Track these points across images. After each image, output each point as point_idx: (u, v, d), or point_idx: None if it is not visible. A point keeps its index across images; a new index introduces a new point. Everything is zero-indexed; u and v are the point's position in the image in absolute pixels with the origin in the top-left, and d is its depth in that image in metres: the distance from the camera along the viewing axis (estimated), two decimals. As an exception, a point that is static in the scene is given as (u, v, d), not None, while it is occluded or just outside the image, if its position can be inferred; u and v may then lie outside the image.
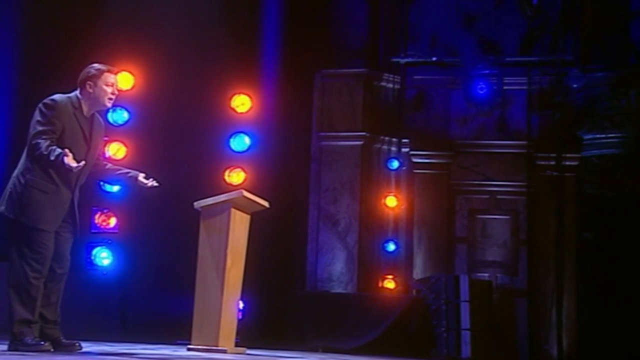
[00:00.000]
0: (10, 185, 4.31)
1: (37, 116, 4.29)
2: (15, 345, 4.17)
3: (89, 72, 4.45)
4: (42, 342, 4.21)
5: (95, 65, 4.49)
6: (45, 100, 4.33)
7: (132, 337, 6.60)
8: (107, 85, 4.44)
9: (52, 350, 4.24)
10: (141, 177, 4.64)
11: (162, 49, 7.75)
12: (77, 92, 4.44)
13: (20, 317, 4.19)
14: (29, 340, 4.16)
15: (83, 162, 4.23)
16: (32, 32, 6.89)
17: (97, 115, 4.54)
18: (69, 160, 4.13)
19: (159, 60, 7.77)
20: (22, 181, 4.26)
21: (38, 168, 4.26)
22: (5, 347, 4.26)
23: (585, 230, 9.10)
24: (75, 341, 4.42)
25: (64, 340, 4.37)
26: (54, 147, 4.18)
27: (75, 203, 4.43)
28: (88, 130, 4.43)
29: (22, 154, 4.36)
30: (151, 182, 4.66)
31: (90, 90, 4.41)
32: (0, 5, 6.93)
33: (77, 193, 4.45)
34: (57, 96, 4.37)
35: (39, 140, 4.21)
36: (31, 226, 4.23)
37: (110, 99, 4.47)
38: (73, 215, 4.42)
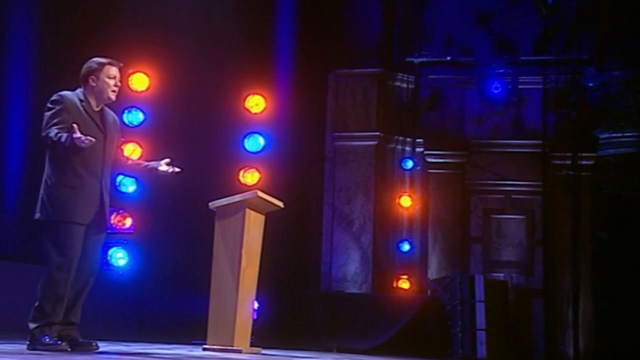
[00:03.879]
0: (40, 191, 4.37)
1: (47, 111, 4.34)
2: (34, 345, 4.21)
3: (90, 67, 4.47)
4: (59, 342, 4.24)
5: (97, 59, 4.50)
6: (52, 98, 4.37)
7: (148, 337, 6.63)
8: (109, 78, 4.44)
9: (69, 350, 4.27)
10: (163, 166, 4.59)
11: (176, 50, 7.78)
12: (81, 88, 4.47)
13: (43, 319, 4.23)
14: (47, 340, 4.20)
15: (92, 138, 4.20)
16: (46, 33, 6.93)
17: (107, 108, 4.55)
18: (77, 134, 4.13)
19: (173, 62, 7.79)
20: (49, 183, 4.32)
21: (60, 165, 4.29)
22: (22, 347, 4.29)
23: (601, 229, 9.04)
24: (92, 341, 4.45)
25: (81, 340, 4.40)
26: (62, 133, 4.20)
27: (105, 197, 4.44)
28: (101, 122, 4.44)
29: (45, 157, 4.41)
30: (172, 169, 4.62)
31: (94, 84, 4.43)
32: (15, 6, 6.97)
33: (105, 186, 4.45)
34: (63, 92, 4.41)
35: (48, 131, 4.24)
36: (63, 221, 4.26)
37: (114, 91, 4.47)
38: (103, 210, 4.42)
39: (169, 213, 7.76)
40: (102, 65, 4.45)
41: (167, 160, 4.63)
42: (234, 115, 8.22)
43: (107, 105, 4.54)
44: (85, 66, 4.49)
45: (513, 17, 9.39)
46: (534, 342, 8.91)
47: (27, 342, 4.26)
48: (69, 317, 4.38)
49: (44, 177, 4.36)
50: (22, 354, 4.04)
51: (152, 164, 4.67)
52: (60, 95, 4.37)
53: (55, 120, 4.27)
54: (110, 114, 4.57)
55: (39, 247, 4.46)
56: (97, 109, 4.47)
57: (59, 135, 4.20)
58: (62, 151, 4.25)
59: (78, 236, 4.31)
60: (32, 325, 4.24)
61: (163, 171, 4.61)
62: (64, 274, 4.26)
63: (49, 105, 4.35)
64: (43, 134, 4.27)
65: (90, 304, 7.01)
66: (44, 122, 4.30)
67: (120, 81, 4.53)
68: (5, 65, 6.76)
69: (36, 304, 4.27)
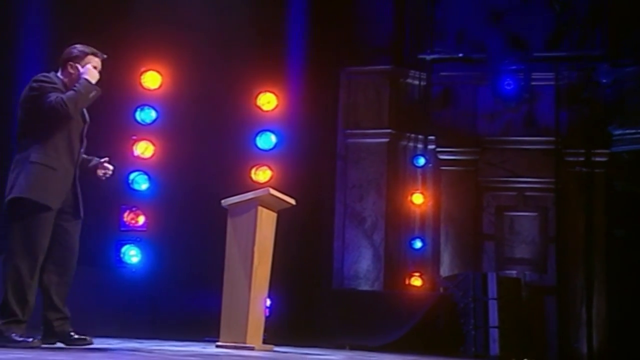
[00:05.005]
0: (15, 171, 4.19)
1: (36, 91, 4.18)
2: (2, 342, 4.05)
3: (71, 53, 4.33)
4: (30, 339, 4.10)
5: (79, 46, 4.37)
6: (36, 77, 4.24)
7: (161, 334, 6.64)
8: None
9: (41, 346, 4.13)
10: (100, 171, 4.44)
11: (188, 48, 7.80)
12: (59, 72, 4.34)
13: (10, 316, 4.09)
14: (16, 337, 4.05)
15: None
16: (58, 31, 6.96)
17: None
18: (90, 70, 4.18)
19: (185, 60, 7.81)
20: (27, 161, 4.14)
21: (43, 145, 4.16)
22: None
23: (615, 227, 8.99)
24: (86, 336, 4.33)
25: (74, 335, 4.31)
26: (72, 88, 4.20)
27: (77, 182, 4.33)
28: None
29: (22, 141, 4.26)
30: (105, 172, 4.45)
31: (72, 71, 4.30)
32: (28, 4, 7.01)
33: (77, 174, 4.34)
34: (44, 73, 4.30)
35: (59, 97, 4.11)
36: (37, 203, 4.09)
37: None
38: (75, 195, 4.31)
39: (182, 211, 7.78)
40: (84, 54, 4.32)
41: (106, 159, 4.46)
42: (245, 113, 8.23)
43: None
44: (66, 51, 4.35)
45: (525, 13, 9.34)
46: (547, 340, 8.87)
47: None
48: (62, 312, 4.27)
49: (20, 156, 4.18)
50: (34, 348, 4.05)
51: (93, 162, 4.49)
52: (45, 75, 4.26)
53: (53, 91, 4.16)
54: None
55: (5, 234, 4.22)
56: None
57: (74, 86, 4.16)
58: (49, 130, 4.14)
59: (50, 223, 4.16)
60: None
61: (99, 176, 4.46)
62: (32, 269, 4.11)
63: (39, 80, 4.21)
64: (51, 102, 4.08)
65: (104, 301, 7.04)
66: (38, 97, 4.14)
67: (101, 73, 4.36)
68: (18, 62, 6.79)
69: (2, 300, 4.11)
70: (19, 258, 4.11)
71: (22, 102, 4.27)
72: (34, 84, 4.23)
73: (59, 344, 4.34)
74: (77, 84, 4.23)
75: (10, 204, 4.16)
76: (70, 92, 4.22)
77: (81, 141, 4.34)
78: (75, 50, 4.34)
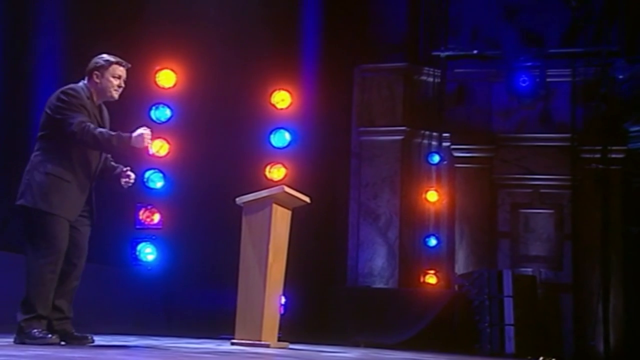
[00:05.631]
0: (26, 177, 4.26)
1: (63, 103, 4.25)
2: (22, 338, 4.11)
3: (97, 63, 4.42)
4: (49, 335, 4.14)
5: (104, 56, 4.45)
6: (66, 90, 4.30)
7: (177, 332, 6.69)
8: (114, 77, 4.39)
9: (60, 343, 4.17)
10: (123, 180, 4.52)
11: (203, 46, 7.83)
12: (85, 81, 4.42)
13: (31, 312, 4.14)
14: (36, 333, 4.10)
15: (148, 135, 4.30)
16: (73, 31, 7.00)
17: (103, 105, 4.50)
18: (144, 136, 4.21)
19: (200, 58, 7.84)
20: (42, 171, 4.23)
21: (59, 157, 4.24)
22: (8, 341, 4.17)
23: (632, 224, 8.92)
24: (87, 334, 4.36)
25: (75, 334, 4.33)
26: (112, 133, 4.25)
27: (93, 195, 4.41)
28: (100, 119, 4.43)
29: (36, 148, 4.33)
30: (128, 182, 4.53)
31: (97, 81, 4.38)
32: (43, 4, 7.05)
33: (93, 184, 4.41)
34: (73, 85, 4.37)
35: (84, 125, 4.18)
36: (52, 214, 4.18)
37: (116, 90, 4.42)
38: (90, 204, 4.39)
39: (197, 209, 7.82)
40: (109, 63, 4.40)
41: (128, 168, 4.53)
42: (260, 111, 8.25)
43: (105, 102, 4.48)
44: (92, 61, 4.43)
45: (540, 9, 9.29)
46: (563, 337, 8.83)
47: (14, 335, 4.16)
48: (61, 307, 4.29)
49: (34, 164, 4.26)
50: (52, 344, 4.09)
51: (117, 170, 4.55)
52: (74, 89, 4.33)
53: (81, 113, 4.23)
54: (105, 111, 4.53)
55: (17, 235, 4.30)
56: (97, 105, 4.43)
57: (112, 134, 4.22)
58: (66, 141, 4.20)
59: (66, 229, 4.23)
60: (20, 318, 4.14)
61: (122, 184, 4.52)
62: (52, 266, 4.16)
63: (68, 95, 4.27)
64: (74, 127, 4.16)
65: (120, 298, 7.08)
66: (64, 113, 4.21)
67: (125, 82, 4.44)
68: (34, 64, 6.84)
69: (24, 296, 4.17)
70: (40, 256, 4.17)
71: (47, 107, 4.35)
72: (63, 96, 4.30)
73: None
74: (121, 137, 4.25)
75: (24, 211, 4.24)
76: (106, 133, 4.26)
77: (100, 153, 4.41)
78: (100, 60, 4.44)
